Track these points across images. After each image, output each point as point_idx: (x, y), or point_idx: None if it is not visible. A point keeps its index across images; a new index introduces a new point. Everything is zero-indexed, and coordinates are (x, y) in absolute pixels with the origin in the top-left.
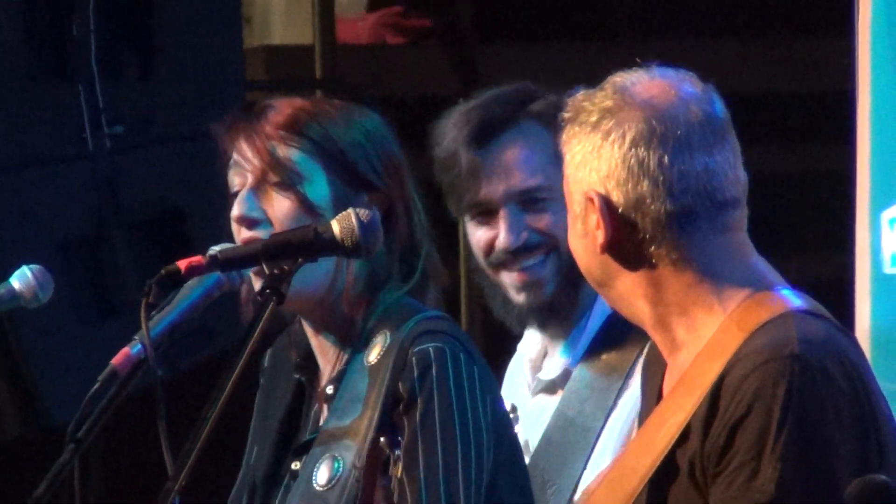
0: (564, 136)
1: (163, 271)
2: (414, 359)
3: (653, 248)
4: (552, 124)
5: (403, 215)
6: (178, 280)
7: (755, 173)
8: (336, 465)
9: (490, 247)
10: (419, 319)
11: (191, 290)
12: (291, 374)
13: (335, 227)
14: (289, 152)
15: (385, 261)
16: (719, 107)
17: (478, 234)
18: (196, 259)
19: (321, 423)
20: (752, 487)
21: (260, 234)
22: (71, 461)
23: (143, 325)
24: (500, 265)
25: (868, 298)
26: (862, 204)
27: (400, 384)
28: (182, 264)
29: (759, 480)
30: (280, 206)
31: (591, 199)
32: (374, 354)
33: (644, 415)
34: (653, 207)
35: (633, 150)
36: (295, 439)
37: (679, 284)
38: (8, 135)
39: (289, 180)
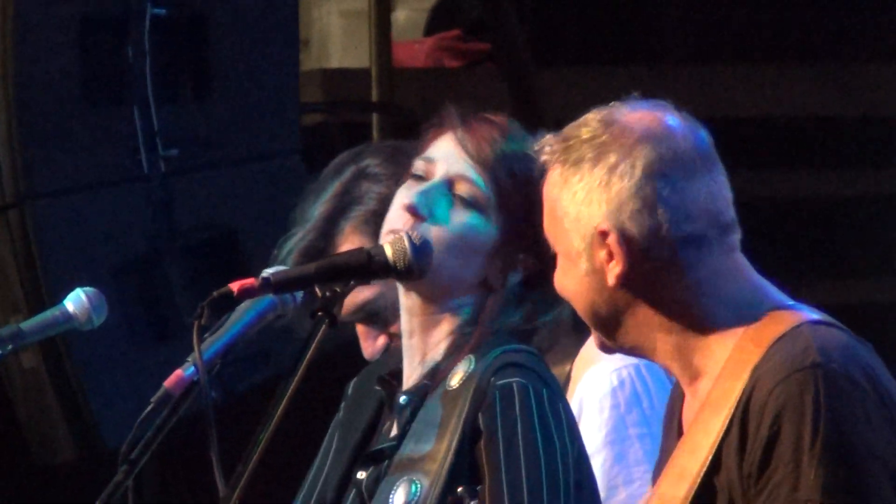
0: (557, 178)
1: (214, 293)
2: (497, 393)
3: (669, 275)
4: None
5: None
6: (230, 302)
7: (812, 197)
8: (413, 488)
9: None
10: (504, 350)
11: (244, 313)
12: (375, 393)
13: (388, 250)
14: (485, 183)
15: (516, 296)
16: (704, 132)
17: None
18: (249, 281)
19: (392, 434)
20: (798, 498)
21: (419, 228)
22: (124, 483)
23: (196, 348)
24: None
25: None
26: None
27: (480, 416)
28: (234, 286)
29: (803, 489)
30: (455, 217)
31: (603, 234)
32: (456, 379)
33: (667, 449)
34: (668, 235)
35: (644, 179)
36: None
37: (695, 309)
38: (64, 158)
39: (474, 204)
